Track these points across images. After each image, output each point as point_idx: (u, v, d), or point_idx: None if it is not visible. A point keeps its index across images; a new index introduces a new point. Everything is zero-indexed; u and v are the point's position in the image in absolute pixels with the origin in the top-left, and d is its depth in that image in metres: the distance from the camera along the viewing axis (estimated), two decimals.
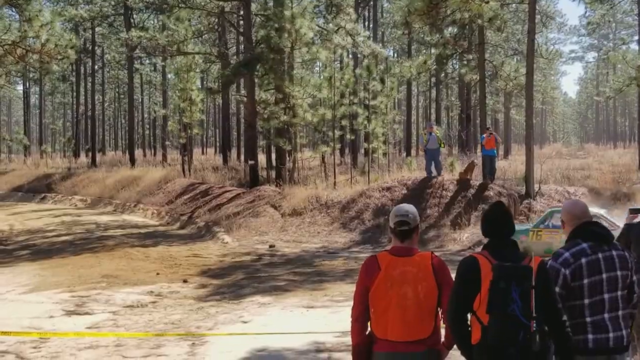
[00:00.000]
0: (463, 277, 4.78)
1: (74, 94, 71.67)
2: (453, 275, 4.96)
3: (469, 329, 4.80)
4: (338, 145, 37.90)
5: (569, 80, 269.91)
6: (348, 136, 39.64)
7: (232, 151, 53.52)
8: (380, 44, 49.81)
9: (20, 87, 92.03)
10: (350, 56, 50.25)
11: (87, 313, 13.30)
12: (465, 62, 40.47)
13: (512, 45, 64.01)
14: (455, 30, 38.51)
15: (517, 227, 18.94)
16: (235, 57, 50.19)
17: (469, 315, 4.82)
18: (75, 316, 13.05)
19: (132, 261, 19.96)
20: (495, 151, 26.43)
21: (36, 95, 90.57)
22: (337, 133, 33.35)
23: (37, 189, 46.24)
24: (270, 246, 21.91)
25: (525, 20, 41.90)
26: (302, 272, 17.43)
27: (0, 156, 69.48)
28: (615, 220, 16.76)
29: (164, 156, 58.30)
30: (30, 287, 16.27)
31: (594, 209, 16.63)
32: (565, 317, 4.77)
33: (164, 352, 10.36)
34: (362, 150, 43.69)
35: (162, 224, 30.64)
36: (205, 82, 70.00)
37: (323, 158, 37.61)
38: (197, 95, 40.35)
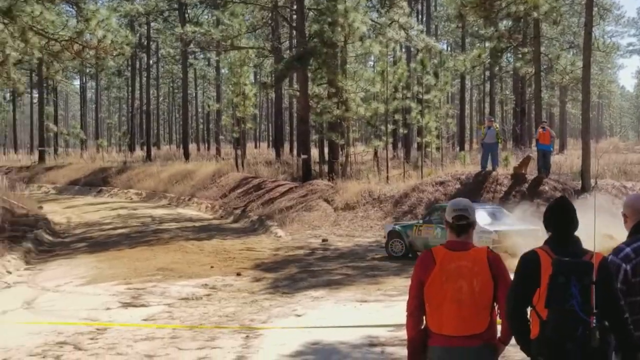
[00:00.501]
0: (523, 272, 4.74)
1: (129, 88, 72.48)
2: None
3: (528, 323, 4.76)
4: (391, 140, 37.83)
5: (627, 74, 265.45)
6: (401, 130, 39.53)
7: (284, 145, 53.64)
8: (434, 38, 49.55)
9: (77, 82, 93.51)
10: (404, 50, 50.10)
11: (143, 305, 13.46)
12: (520, 56, 40.05)
13: (567, 39, 63.12)
14: (510, 23, 38.11)
15: (405, 223, 19.60)
16: (288, 51, 50.29)
17: (528, 310, 4.78)
18: (132, 308, 13.22)
19: (187, 254, 20.15)
20: (551, 146, 26.03)
21: (92, 90, 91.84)
22: (390, 127, 33.28)
23: (94, 182, 46.88)
24: (323, 240, 21.94)
25: (581, 13, 41.43)
26: (355, 266, 17.43)
27: (58, 150, 70.51)
28: None
29: (218, 150, 58.66)
30: (87, 279, 16.52)
31: None
32: (627, 314, 4.71)
33: (218, 345, 10.43)
34: (415, 145, 43.55)
35: (216, 218, 30.87)
36: (258, 77, 70.28)
37: (375, 152, 37.56)
38: (251, 90, 40.55)
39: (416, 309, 5.11)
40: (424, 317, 5.13)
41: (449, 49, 76.96)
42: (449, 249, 5.05)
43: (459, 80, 60.61)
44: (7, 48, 26.94)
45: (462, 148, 50.37)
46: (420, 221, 18.98)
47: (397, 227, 19.26)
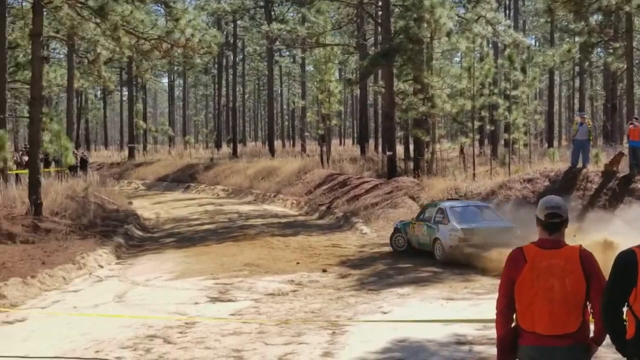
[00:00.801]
0: (619, 271, 4.63)
1: (216, 86, 73.42)
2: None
3: (624, 323, 4.65)
4: (477, 136, 37.39)
5: None
6: (487, 127, 39.03)
7: (369, 142, 53.56)
8: (522, 33, 48.89)
9: (165, 80, 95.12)
10: (490, 45, 49.49)
11: (230, 300, 13.62)
12: (611, 51, 39.10)
13: None
14: (601, 17, 37.22)
15: (406, 221, 20.31)
16: (373, 48, 50.19)
17: (624, 310, 4.67)
18: (219, 303, 13.39)
19: (273, 250, 20.30)
20: None
21: (180, 88, 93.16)
22: (477, 124, 32.90)
23: (181, 178, 47.62)
24: None
25: None
26: (442, 264, 17.29)
27: (147, 147, 71.85)
28: None
29: (303, 147, 58.99)
30: (176, 273, 16.79)
31: None
32: None
33: (304, 340, 10.49)
34: (502, 141, 42.95)
35: (301, 214, 31.03)
36: (343, 74, 70.37)
37: (462, 149, 37.20)
38: (336, 87, 40.62)
39: (506, 307, 5.04)
40: (514, 316, 5.06)
41: (537, 44, 75.79)
42: (540, 247, 4.96)
43: (547, 76, 59.60)
44: (99, 47, 27.61)
45: (550, 145, 49.52)
46: (414, 219, 19.66)
47: (399, 224, 20.17)
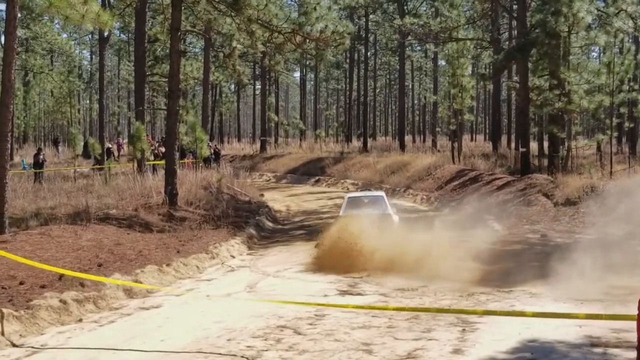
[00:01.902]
0: None
1: (347, 80, 73.68)
2: None
3: None
4: (615, 134, 36.27)
5: None
6: (626, 124, 37.81)
7: (501, 138, 52.76)
8: None
9: (297, 74, 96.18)
10: (631, 40, 47.88)
11: (359, 294, 13.66)
12: None
13: None
14: None
15: None
16: (507, 42, 49.36)
17: None
18: (348, 296, 13.45)
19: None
20: None
21: (311, 82, 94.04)
22: (615, 121, 31.90)
23: (311, 171, 48.06)
24: (542, 235, 21.33)
25: None
26: (575, 264, 16.78)
27: (278, 140, 72.91)
28: None
29: (434, 142, 58.62)
30: (305, 266, 16.94)
31: None
32: None
33: (434, 337, 10.40)
34: None
35: (431, 209, 30.81)
36: (476, 68, 69.47)
37: (599, 146, 36.14)
38: (468, 82, 40.17)
39: None
40: None
41: None
42: None
43: None
44: (234, 41, 28.12)
45: None
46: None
47: None
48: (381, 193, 23.87)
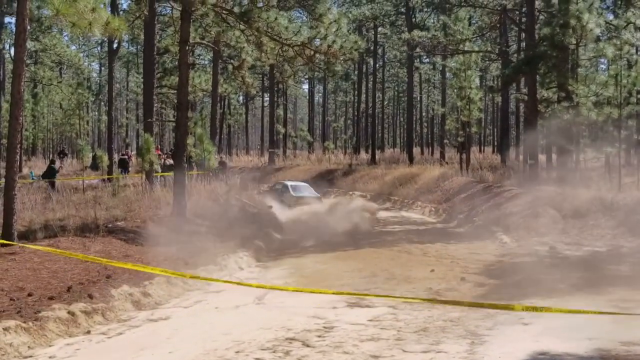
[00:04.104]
0: None
1: (356, 92, 73.85)
2: None
3: None
4: (623, 146, 36.15)
5: None
6: (635, 136, 37.67)
7: (510, 150, 52.70)
8: None
9: (305, 86, 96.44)
10: (639, 53, 47.80)
11: (368, 306, 13.61)
12: None
13: None
14: None
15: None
16: (515, 55, 49.37)
17: None
18: (357, 308, 13.41)
19: (411, 257, 20.24)
20: None
21: (319, 94, 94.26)
22: (623, 133, 31.80)
23: (320, 183, 48.00)
24: (551, 248, 21.28)
25: None
26: (583, 276, 16.77)
27: (286, 152, 73.00)
28: None
29: (442, 154, 58.63)
30: (314, 278, 16.94)
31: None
32: None
33: (443, 349, 10.37)
34: None
35: (440, 222, 30.79)
36: (484, 81, 69.53)
37: (607, 159, 36.04)
38: (476, 94, 40.19)
39: None
40: None
41: None
42: None
43: None
44: (243, 53, 28.19)
45: None
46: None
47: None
48: (306, 183, 36.52)
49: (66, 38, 72.41)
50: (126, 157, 47.99)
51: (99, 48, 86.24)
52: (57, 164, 35.00)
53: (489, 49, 52.96)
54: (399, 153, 68.75)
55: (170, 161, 33.53)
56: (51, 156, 63.78)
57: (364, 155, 65.46)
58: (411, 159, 54.05)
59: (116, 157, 48.61)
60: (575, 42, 30.05)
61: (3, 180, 18.52)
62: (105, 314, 12.56)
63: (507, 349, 10.31)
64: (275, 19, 22.74)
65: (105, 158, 36.78)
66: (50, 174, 33.61)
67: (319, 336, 11.21)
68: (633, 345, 9.79)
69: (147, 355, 10.35)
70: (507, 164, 44.09)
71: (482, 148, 78.23)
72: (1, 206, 17.87)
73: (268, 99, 74.70)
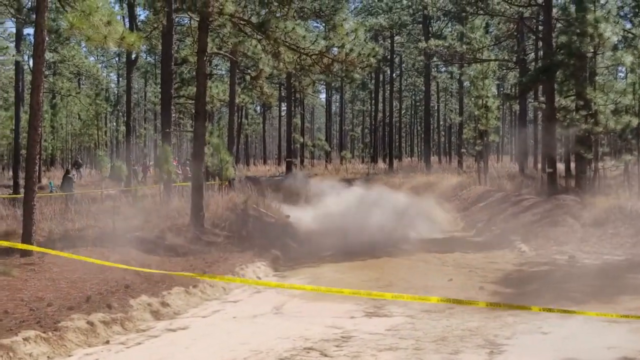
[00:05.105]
0: None
1: (373, 101, 73.89)
2: None
3: None
4: None
5: None
6: None
7: (528, 159, 52.53)
8: None
9: (323, 96, 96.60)
10: None
11: (386, 315, 13.59)
12: None
13: None
14: None
15: None
16: (533, 63, 49.27)
17: None
18: (375, 317, 13.39)
19: (429, 266, 20.19)
20: None
21: (337, 103, 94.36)
22: None
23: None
24: (570, 257, 21.17)
25: None
26: (603, 285, 16.67)
27: (304, 161, 73.04)
28: None
29: (460, 163, 58.54)
30: (332, 287, 16.88)
31: None
32: None
33: (461, 359, 10.34)
34: None
35: (458, 231, 30.69)
36: (501, 89, 69.40)
37: (626, 167, 35.86)
38: (493, 103, 40.09)
39: None
40: None
41: None
42: None
43: None
44: (260, 63, 28.28)
45: None
46: None
47: None
48: None
49: (84, 49, 72.70)
50: (137, 167, 48.36)
51: (117, 59, 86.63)
52: (75, 175, 35.11)
53: (506, 57, 52.90)
54: (417, 162, 68.71)
55: (178, 171, 33.95)
56: (67, 167, 64.17)
57: (381, 164, 65.44)
58: (429, 168, 54.00)
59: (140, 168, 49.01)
60: (592, 50, 29.94)
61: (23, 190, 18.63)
62: (124, 324, 12.59)
63: (526, 358, 10.28)
64: (293, 28, 22.79)
65: (124, 168, 36.90)
66: (67, 184, 33.75)
67: (337, 346, 11.20)
68: None
69: None
70: (525, 172, 43.96)
71: (500, 157, 78.03)
72: (21, 216, 17.98)
73: (285, 108, 74.77)
